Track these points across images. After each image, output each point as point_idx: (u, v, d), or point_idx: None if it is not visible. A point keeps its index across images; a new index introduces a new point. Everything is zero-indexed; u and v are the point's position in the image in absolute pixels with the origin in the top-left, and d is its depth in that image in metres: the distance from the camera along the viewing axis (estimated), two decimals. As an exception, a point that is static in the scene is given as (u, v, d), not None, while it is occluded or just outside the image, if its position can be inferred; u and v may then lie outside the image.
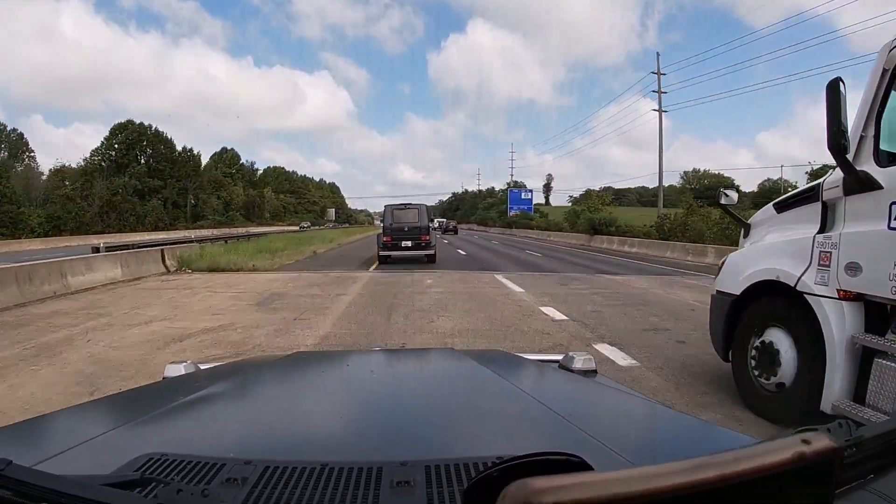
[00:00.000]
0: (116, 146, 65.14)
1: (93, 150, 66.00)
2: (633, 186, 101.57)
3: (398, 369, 1.41)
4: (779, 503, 0.38)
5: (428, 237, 14.26)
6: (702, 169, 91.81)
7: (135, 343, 5.13)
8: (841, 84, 2.50)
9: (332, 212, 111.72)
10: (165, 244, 16.27)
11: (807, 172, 38.94)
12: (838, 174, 2.72)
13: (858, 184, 2.59)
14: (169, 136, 70.38)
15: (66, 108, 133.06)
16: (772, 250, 3.17)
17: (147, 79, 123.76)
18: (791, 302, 2.92)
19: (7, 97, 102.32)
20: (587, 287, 9.65)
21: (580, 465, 0.46)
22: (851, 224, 2.68)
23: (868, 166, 2.61)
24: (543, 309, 7.13)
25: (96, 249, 14.52)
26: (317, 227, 67.67)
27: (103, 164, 64.18)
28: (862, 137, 2.66)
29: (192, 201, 69.20)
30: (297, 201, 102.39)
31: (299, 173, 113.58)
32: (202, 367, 1.31)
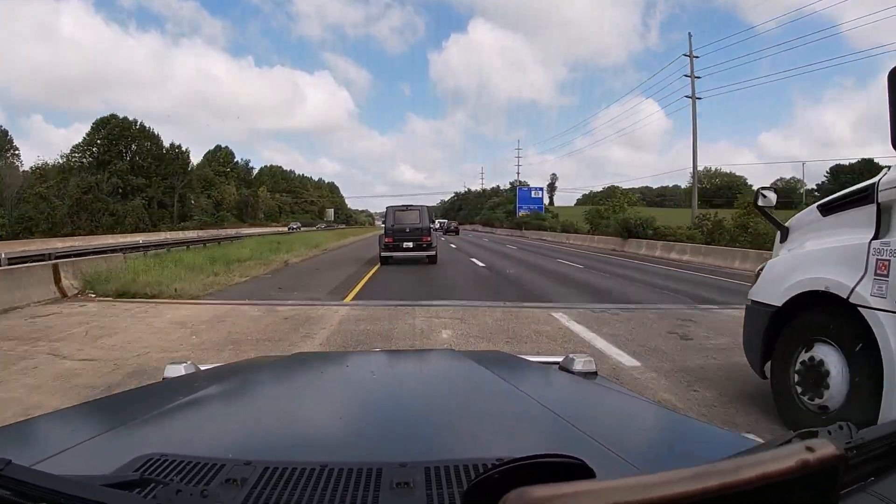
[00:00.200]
0: (98, 142, 61.11)
1: (74, 146, 62.18)
2: (636, 186, 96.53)
3: (398, 370, 1.42)
4: None
5: (429, 238, 14.19)
6: (713, 168, 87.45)
7: None
8: None
9: (330, 212, 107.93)
10: (85, 254, 12.14)
11: (827, 172, 34.75)
12: None
13: None
14: (156, 132, 66.44)
15: (67, 108, 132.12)
16: (819, 257, 2.94)
17: (147, 79, 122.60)
18: (842, 315, 2.67)
19: (7, 97, 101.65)
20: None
21: (580, 468, 0.46)
22: None
23: None
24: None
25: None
26: (313, 228, 63.24)
27: (83, 160, 60.36)
28: None
29: (180, 201, 65.06)
30: (294, 201, 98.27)
31: (299, 173, 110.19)
32: (202, 367, 1.31)
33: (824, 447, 0.38)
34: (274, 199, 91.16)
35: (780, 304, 3.04)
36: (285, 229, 55.12)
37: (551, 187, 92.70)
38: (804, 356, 2.86)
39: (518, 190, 55.34)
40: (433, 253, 14.39)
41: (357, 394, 1.10)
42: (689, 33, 32.54)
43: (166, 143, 65.01)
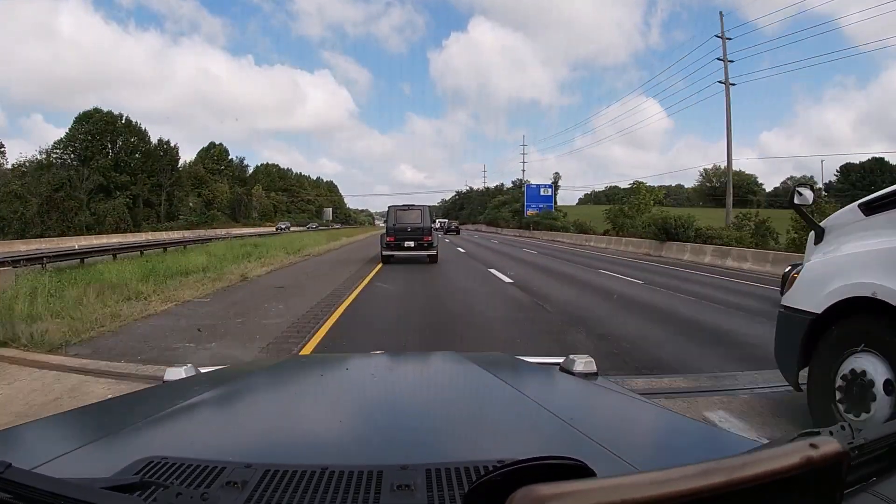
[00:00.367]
0: (80, 137, 57.66)
1: (55, 142, 58.74)
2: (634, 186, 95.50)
3: (399, 372, 1.41)
4: None
5: (430, 238, 14.27)
6: (722, 166, 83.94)
7: None
8: None
9: (328, 211, 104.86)
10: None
11: (837, 171, 31.43)
12: None
13: None
14: (143, 127, 63.00)
15: (66, 108, 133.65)
16: (863, 260, 2.73)
17: (146, 78, 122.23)
18: (891, 323, 2.51)
19: (6, 96, 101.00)
20: None
21: (582, 469, 0.46)
22: None
23: None
24: None
25: None
26: (309, 228, 59.50)
27: (65, 157, 56.99)
28: None
29: (167, 199, 61.61)
30: (290, 200, 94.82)
31: (300, 172, 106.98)
32: (202, 370, 1.30)
33: (828, 445, 0.38)
34: (269, 198, 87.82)
35: (819, 312, 2.84)
36: (273, 229, 51.19)
37: (554, 186, 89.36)
38: (847, 368, 2.67)
39: (526, 187, 51.63)
40: (434, 252, 14.32)
41: (357, 396, 1.11)
42: (721, 13, 29.01)
43: (167, 140, 62.02)
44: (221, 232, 48.91)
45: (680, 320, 6.81)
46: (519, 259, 17.18)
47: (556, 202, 49.93)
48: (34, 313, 6.29)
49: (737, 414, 3.27)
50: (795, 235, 16.20)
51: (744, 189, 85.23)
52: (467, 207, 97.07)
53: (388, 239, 14.27)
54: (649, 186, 30.47)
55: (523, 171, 67.07)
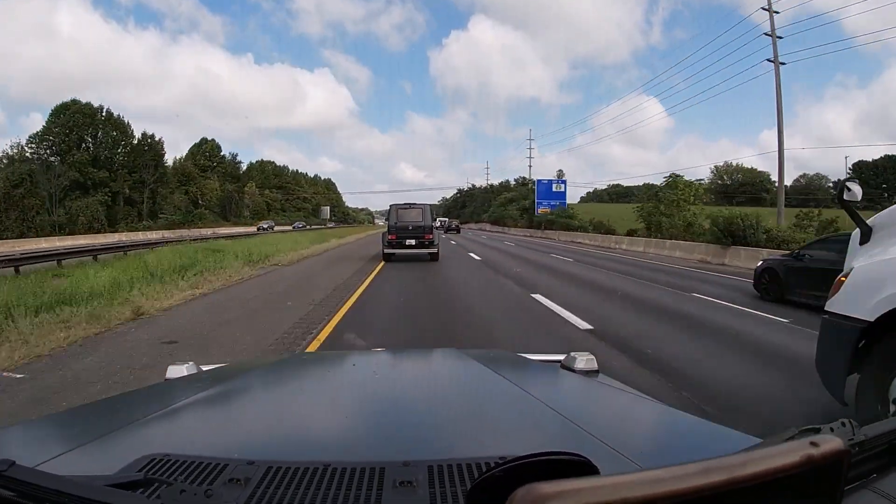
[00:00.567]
0: (55, 130, 53.60)
1: (30, 136, 54.75)
2: (639, 184, 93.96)
3: (400, 369, 1.41)
4: None
5: (431, 236, 14.25)
6: (734, 162, 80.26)
7: None
8: None
9: (326, 210, 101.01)
10: None
11: (850, 169, 27.64)
12: None
13: None
14: (126, 120, 58.93)
15: None
16: None
17: (146, 76, 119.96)
18: None
19: (5, 95, 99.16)
20: None
21: (584, 466, 0.46)
22: None
23: None
24: None
25: None
26: (295, 227, 54.83)
27: (40, 151, 52.97)
28: None
29: (151, 197, 57.57)
30: (285, 198, 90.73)
31: (296, 170, 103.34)
32: (204, 368, 1.30)
33: (829, 443, 0.38)
34: (263, 196, 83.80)
35: (871, 319, 2.63)
36: (257, 230, 46.56)
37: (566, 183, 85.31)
38: None
39: (536, 183, 47.06)
40: (435, 250, 14.33)
41: (360, 393, 1.11)
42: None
43: (151, 134, 57.83)
44: (207, 232, 45.41)
45: None
46: (556, 271, 12.33)
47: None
48: None
49: None
50: None
51: (757, 187, 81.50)
52: (470, 205, 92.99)
53: (389, 237, 14.25)
54: (688, 180, 26.35)
55: (529, 166, 62.74)
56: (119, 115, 58.49)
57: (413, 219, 14.38)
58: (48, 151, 53.21)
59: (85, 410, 1.05)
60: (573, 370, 1.21)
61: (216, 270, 10.90)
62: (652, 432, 0.95)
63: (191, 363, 1.27)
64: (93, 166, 52.93)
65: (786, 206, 27.71)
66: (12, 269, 11.90)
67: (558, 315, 6.52)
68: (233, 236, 27.30)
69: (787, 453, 0.37)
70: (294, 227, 54.91)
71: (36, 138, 53.69)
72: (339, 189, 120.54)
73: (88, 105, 56.16)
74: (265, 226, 50.37)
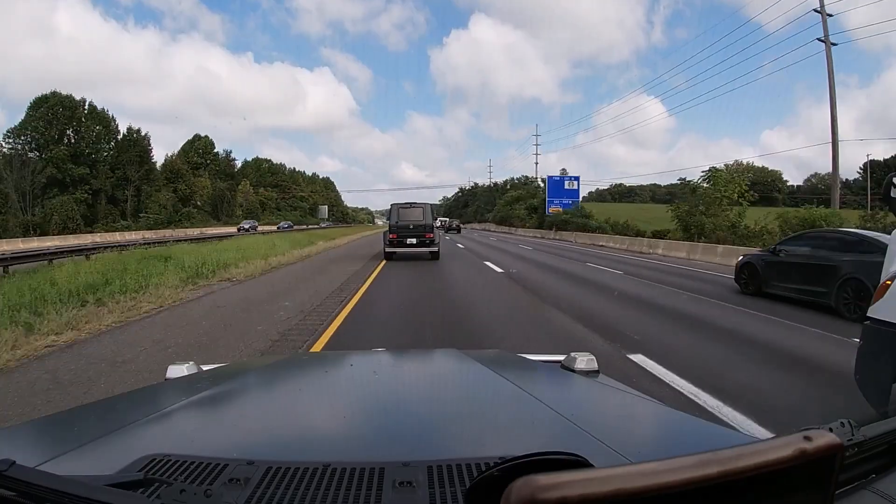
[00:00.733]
0: (32, 125, 50.25)
1: (7, 131, 51.39)
2: (645, 184, 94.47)
3: (400, 370, 1.41)
4: (781, 499, 0.38)
5: (432, 235, 14.24)
6: (745, 161, 77.33)
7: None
8: None
9: (324, 209, 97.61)
10: None
11: (860, 168, 25.03)
12: None
13: None
14: (110, 114, 55.62)
15: None
16: None
17: (145, 76, 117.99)
18: None
19: (4, 95, 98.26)
20: None
21: (583, 466, 0.46)
22: None
23: None
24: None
25: None
26: (280, 228, 50.90)
27: (17, 147, 49.65)
28: None
29: (136, 195, 54.24)
30: (281, 197, 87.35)
31: (293, 168, 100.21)
32: (204, 367, 1.29)
33: (822, 437, 0.38)
34: (257, 195, 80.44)
35: None
36: (237, 231, 42.38)
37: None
38: None
39: (548, 179, 43.07)
40: (436, 249, 14.28)
41: (359, 393, 1.11)
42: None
43: (136, 129, 54.44)
44: (194, 232, 42.17)
45: None
46: (621, 295, 8.17)
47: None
48: None
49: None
50: None
51: (768, 186, 78.13)
52: (472, 205, 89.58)
53: (390, 236, 14.26)
54: (728, 174, 22.99)
55: (536, 163, 59.39)
56: (104, 109, 55.29)
57: (414, 218, 14.31)
58: (27, 147, 49.99)
59: (85, 410, 1.03)
60: (573, 370, 1.21)
61: (134, 293, 7.54)
62: (652, 433, 0.95)
63: (191, 363, 1.25)
64: (73, 162, 49.67)
65: (803, 205, 24.65)
66: None
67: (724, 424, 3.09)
68: (210, 238, 23.96)
69: (780, 447, 0.37)
70: (279, 228, 50.20)
71: (13, 133, 50.51)
72: (338, 188, 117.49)
73: (69, 98, 52.82)
74: (246, 226, 45.66)
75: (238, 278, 9.88)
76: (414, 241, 14.09)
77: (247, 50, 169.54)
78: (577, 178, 42.68)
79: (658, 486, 0.33)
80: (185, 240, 25.49)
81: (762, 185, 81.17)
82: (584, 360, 1.22)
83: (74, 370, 4.13)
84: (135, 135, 56.97)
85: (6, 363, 4.28)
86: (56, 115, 50.94)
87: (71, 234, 37.37)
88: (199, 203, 62.12)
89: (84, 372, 4.07)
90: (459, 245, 22.71)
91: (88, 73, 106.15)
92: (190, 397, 0.96)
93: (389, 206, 15.42)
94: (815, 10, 23.23)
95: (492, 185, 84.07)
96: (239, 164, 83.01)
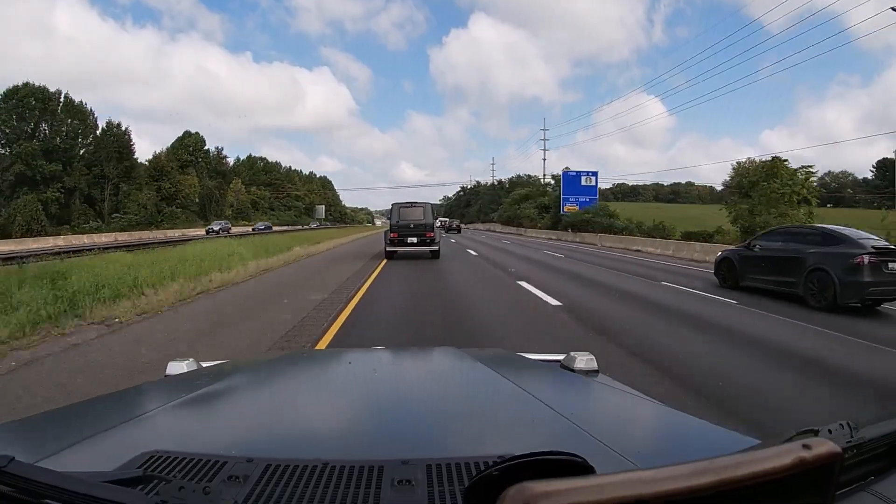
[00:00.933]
0: (2, 117, 46.28)
1: (-27, 125, 47.37)
2: (648, 183, 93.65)
3: (400, 368, 1.40)
4: None
5: (432, 234, 14.18)
6: (757, 158, 73.47)
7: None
8: None
9: (321, 209, 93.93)
10: None
11: (873, 167, 21.59)
12: None
13: None
14: (88, 108, 51.67)
15: None
16: None
17: (143, 76, 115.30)
18: None
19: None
20: None
21: (581, 466, 0.46)
22: None
23: None
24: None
25: None
26: (256, 230, 46.14)
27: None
28: None
29: (114, 194, 50.28)
30: (274, 196, 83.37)
31: (289, 167, 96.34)
32: (203, 364, 1.29)
33: (821, 446, 0.38)
34: (249, 194, 76.46)
35: None
36: (205, 233, 37.49)
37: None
38: None
39: (563, 175, 38.12)
40: (436, 248, 14.26)
41: (359, 391, 1.10)
42: None
43: (117, 123, 50.38)
44: (175, 233, 38.41)
45: None
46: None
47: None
48: None
49: None
50: None
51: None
52: (475, 204, 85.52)
53: (391, 235, 14.25)
54: (792, 168, 19.14)
55: (544, 160, 55.39)
56: (82, 102, 51.30)
57: (415, 217, 14.27)
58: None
59: (84, 407, 1.02)
60: (573, 370, 1.20)
61: None
62: (651, 433, 0.94)
63: (190, 360, 1.24)
64: (45, 158, 45.72)
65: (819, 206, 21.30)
66: None
67: None
68: (174, 242, 19.98)
69: (778, 456, 0.37)
70: (254, 230, 45.36)
71: (-20, 127, 46.50)
72: (337, 188, 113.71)
73: (42, 89, 48.81)
74: (216, 228, 40.92)
75: (133, 316, 5.91)
76: (414, 240, 14.01)
77: (246, 49, 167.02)
78: (594, 174, 38.40)
79: (655, 494, 0.33)
80: (144, 244, 21.61)
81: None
82: (583, 360, 1.21)
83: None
84: (114, 129, 53.02)
85: None
86: (28, 107, 47.01)
87: (35, 236, 33.48)
88: (183, 202, 58.14)
89: None
90: (471, 252, 18.45)
91: (88, 73, 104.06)
92: (189, 394, 0.95)
93: (390, 206, 15.26)
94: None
95: (495, 183, 79.97)
96: (231, 161, 79.08)
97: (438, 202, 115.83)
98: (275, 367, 1.30)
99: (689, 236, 22.81)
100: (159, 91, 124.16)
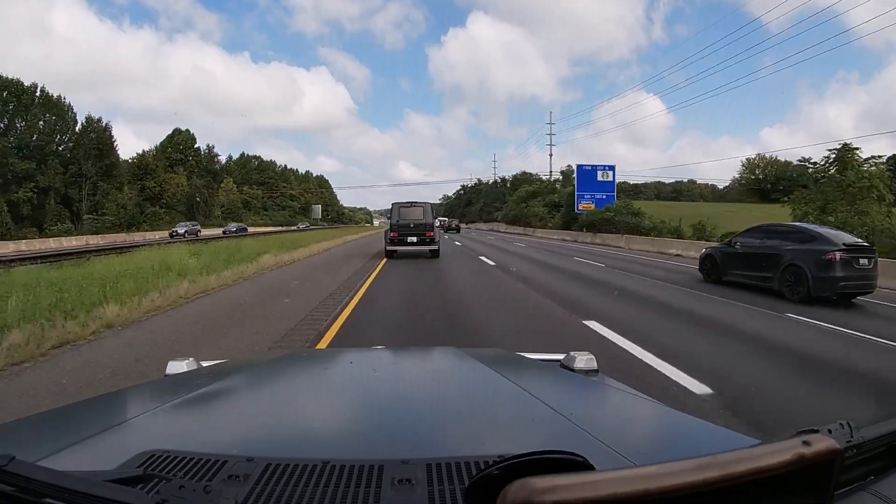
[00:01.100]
0: (-29, 113, 42.99)
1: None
2: (649, 182, 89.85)
3: (400, 367, 1.40)
4: (779, 503, 0.38)
5: (432, 233, 14.22)
6: (767, 155, 70.87)
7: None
8: None
9: (317, 209, 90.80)
10: None
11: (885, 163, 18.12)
12: None
13: None
14: (67, 102, 48.31)
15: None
16: None
17: (141, 76, 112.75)
18: None
19: None
20: None
21: (581, 465, 0.46)
22: None
23: None
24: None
25: None
26: (227, 232, 41.92)
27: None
28: None
29: (93, 193, 46.97)
30: (267, 195, 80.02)
31: (285, 165, 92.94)
32: (204, 364, 1.29)
33: (821, 442, 0.38)
34: (241, 193, 73.12)
35: None
36: (170, 236, 33.83)
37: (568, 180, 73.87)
38: None
39: (577, 169, 34.69)
40: (436, 247, 14.28)
41: (359, 390, 1.10)
42: None
43: (97, 119, 46.95)
44: (155, 236, 35.19)
45: None
46: None
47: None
48: None
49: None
50: None
51: (794, 181, 71.48)
52: (476, 202, 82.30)
53: (391, 234, 14.24)
54: (864, 159, 16.02)
55: (550, 155, 52.00)
56: (60, 96, 47.95)
57: (415, 217, 14.31)
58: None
59: (84, 406, 1.03)
60: (573, 369, 1.20)
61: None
62: (651, 432, 0.94)
63: (190, 359, 1.25)
64: (17, 156, 42.46)
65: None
66: None
67: None
68: (130, 247, 16.71)
69: (779, 452, 0.37)
70: (225, 232, 40.65)
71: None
72: (335, 187, 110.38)
73: (16, 82, 45.47)
74: (181, 230, 36.97)
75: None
76: (414, 239, 14.14)
77: (244, 49, 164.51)
78: (612, 168, 35.03)
79: (656, 489, 0.33)
80: (105, 249, 18.37)
81: (786, 181, 74.62)
82: (583, 360, 1.21)
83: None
84: (95, 124, 49.72)
85: None
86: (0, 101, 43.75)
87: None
88: (168, 202, 54.87)
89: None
90: (487, 261, 14.52)
91: (85, 73, 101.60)
92: (189, 393, 0.95)
93: (391, 205, 15.30)
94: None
95: (497, 181, 76.65)
96: (224, 160, 75.74)
97: (438, 201, 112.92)
98: (275, 366, 1.30)
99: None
100: (157, 91, 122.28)
